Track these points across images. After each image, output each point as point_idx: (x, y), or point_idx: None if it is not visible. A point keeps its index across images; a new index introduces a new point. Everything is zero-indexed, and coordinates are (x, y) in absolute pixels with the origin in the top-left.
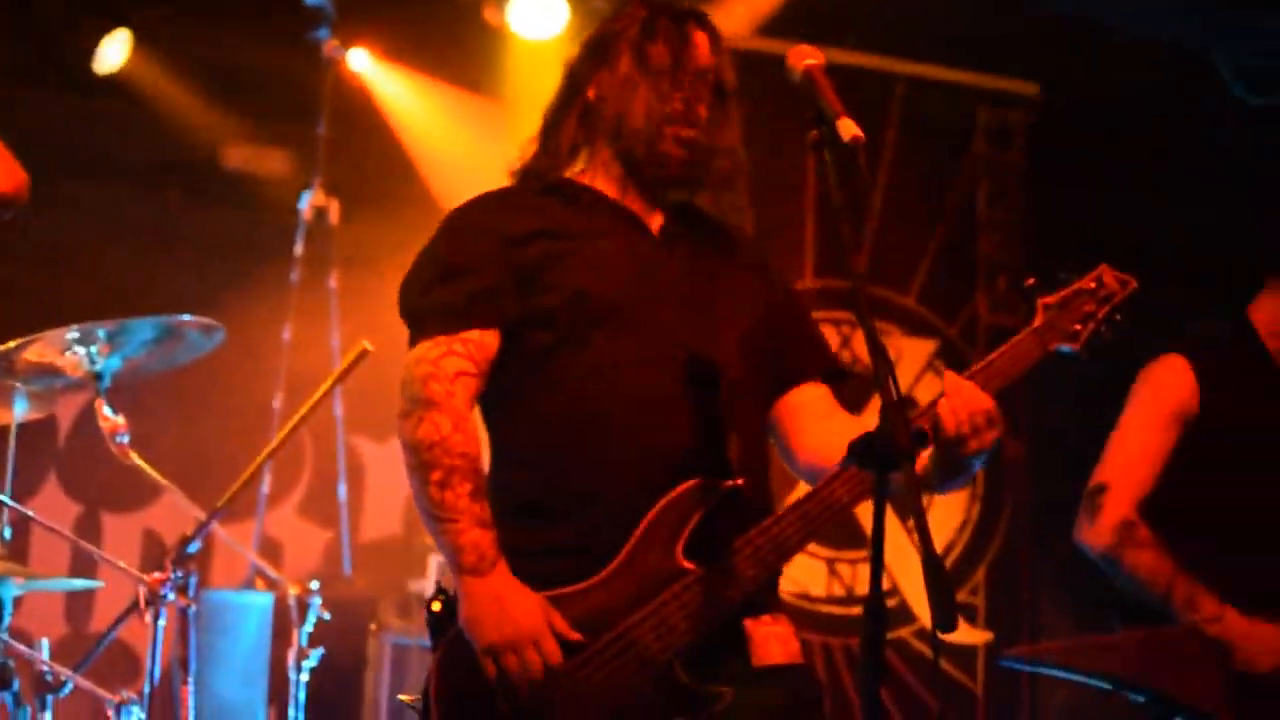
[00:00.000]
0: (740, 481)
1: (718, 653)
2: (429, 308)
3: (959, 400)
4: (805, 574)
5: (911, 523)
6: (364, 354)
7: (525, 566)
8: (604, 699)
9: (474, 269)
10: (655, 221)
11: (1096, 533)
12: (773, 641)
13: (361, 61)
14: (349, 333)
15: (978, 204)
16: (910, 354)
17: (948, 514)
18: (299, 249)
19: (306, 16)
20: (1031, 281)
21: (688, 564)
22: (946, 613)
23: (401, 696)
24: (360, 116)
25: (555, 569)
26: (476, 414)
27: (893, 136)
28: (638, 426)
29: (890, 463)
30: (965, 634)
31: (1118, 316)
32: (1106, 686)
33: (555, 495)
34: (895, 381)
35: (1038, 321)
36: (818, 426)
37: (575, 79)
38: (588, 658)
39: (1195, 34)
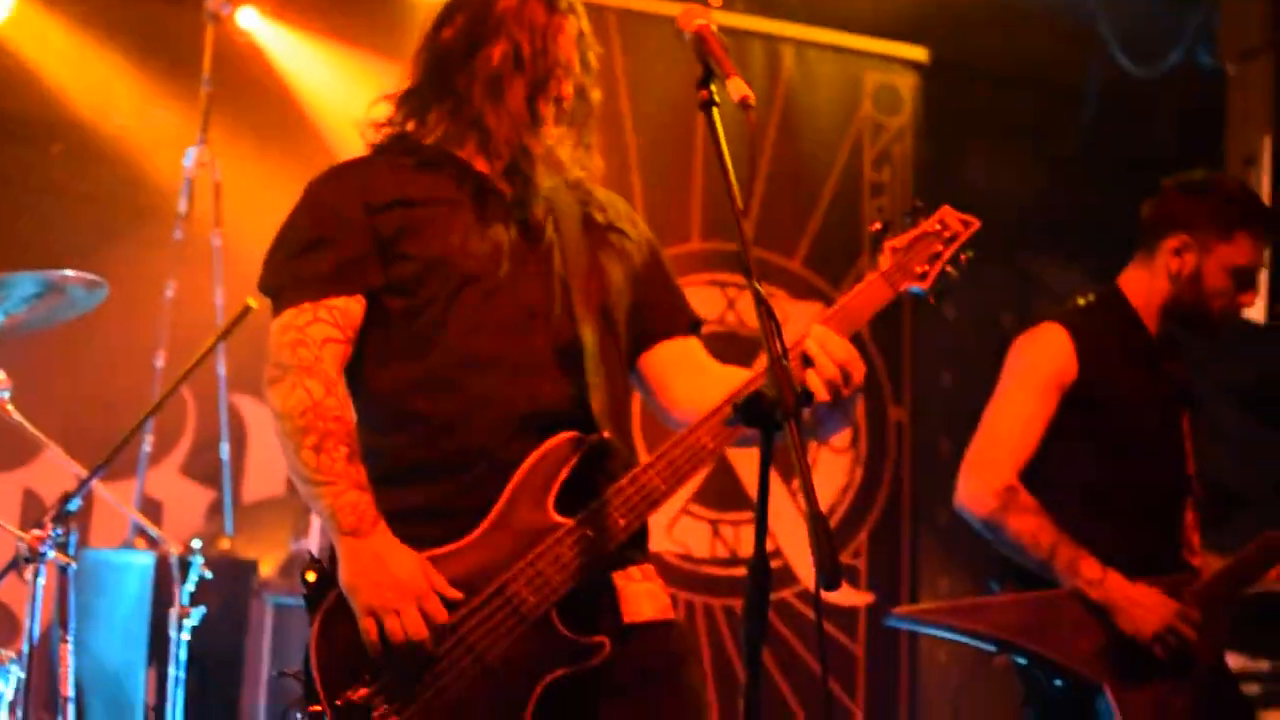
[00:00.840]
0: (607, 434)
1: (592, 606)
2: (294, 277)
3: (828, 348)
4: (689, 535)
5: (796, 483)
6: (247, 310)
7: (398, 530)
8: (486, 654)
9: (337, 238)
10: (512, 187)
11: (978, 498)
12: (643, 598)
13: (250, 19)
14: (232, 291)
15: (864, 168)
16: (797, 317)
17: (830, 476)
18: (183, 206)
19: None
20: (877, 226)
21: (560, 517)
22: (831, 571)
23: (284, 671)
24: (246, 74)
25: (428, 531)
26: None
27: (780, 100)
28: (499, 386)
29: (775, 421)
30: (847, 596)
31: (963, 256)
32: (989, 648)
33: (422, 458)
34: (781, 340)
35: (885, 265)
36: (688, 379)
37: (443, 60)
38: (467, 614)
39: (1081, 3)
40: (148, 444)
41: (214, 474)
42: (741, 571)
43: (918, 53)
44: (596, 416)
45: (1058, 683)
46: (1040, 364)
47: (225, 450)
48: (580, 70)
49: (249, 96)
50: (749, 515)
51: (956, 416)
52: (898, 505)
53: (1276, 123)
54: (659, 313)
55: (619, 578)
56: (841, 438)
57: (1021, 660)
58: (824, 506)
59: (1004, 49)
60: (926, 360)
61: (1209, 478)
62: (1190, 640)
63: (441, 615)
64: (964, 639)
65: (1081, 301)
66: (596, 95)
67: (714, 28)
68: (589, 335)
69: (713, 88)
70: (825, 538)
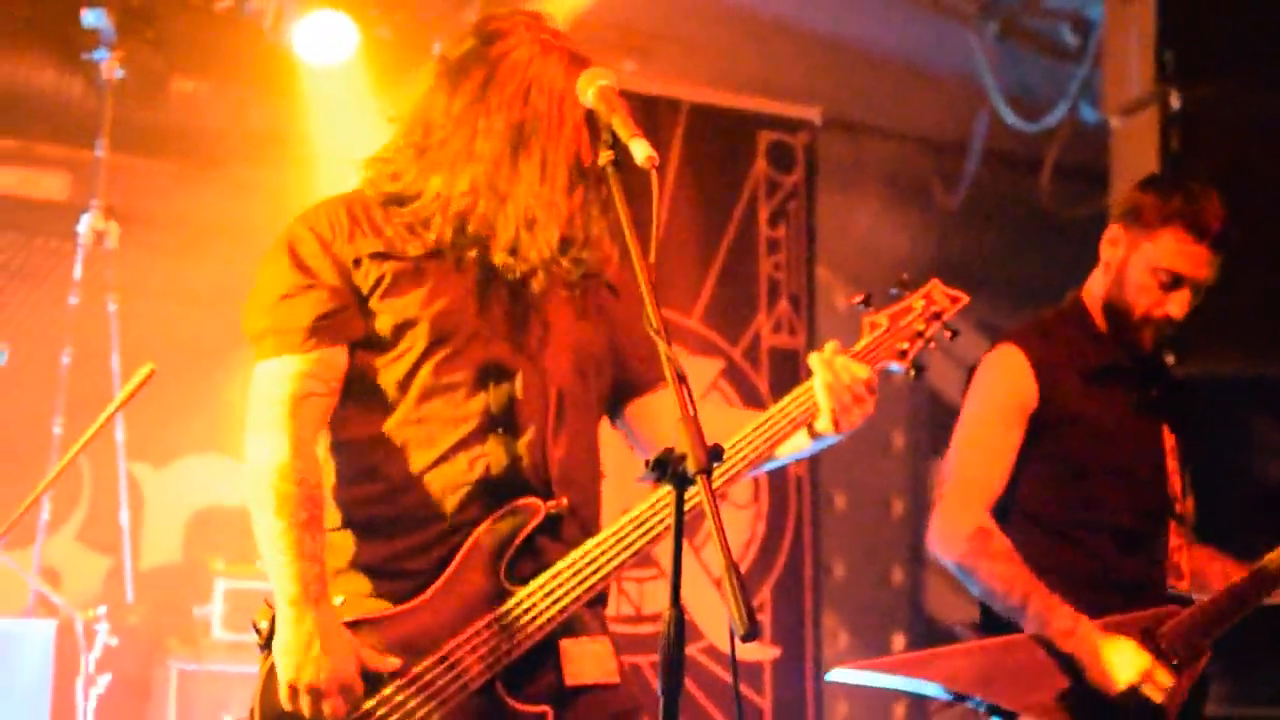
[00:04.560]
0: (564, 502)
1: (534, 672)
2: (276, 325)
3: (834, 373)
4: None
5: (698, 538)
6: (150, 375)
7: (353, 582)
8: None
9: (322, 287)
10: (491, 242)
11: (949, 543)
12: (587, 660)
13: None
14: (129, 356)
15: (760, 225)
16: (696, 374)
17: (733, 532)
18: (78, 272)
19: (84, 37)
20: (860, 298)
21: (511, 585)
22: (749, 621)
23: (226, 717)
24: (143, 136)
25: (381, 587)
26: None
27: (676, 160)
28: (457, 449)
29: (688, 478)
30: (752, 650)
31: (947, 334)
32: (944, 696)
33: (381, 514)
34: (691, 398)
35: (865, 340)
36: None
37: (453, 115)
38: (410, 680)
39: (968, 61)
40: (46, 511)
41: (112, 541)
42: (648, 629)
43: (810, 112)
44: (555, 483)
45: None
46: (999, 390)
47: (125, 517)
48: (574, 113)
49: (142, 160)
50: (653, 573)
51: (851, 470)
52: (800, 559)
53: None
54: (643, 363)
55: (565, 641)
56: (744, 493)
57: (980, 707)
58: None
59: (893, 106)
60: None
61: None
62: (1156, 703)
63: (342, 711)
64: (918, 689)
65: (1045, 316)
66: (607, 156)
67: (616, 88)
68: (556, 396)
69: (616, 150)
70: (741, 590)
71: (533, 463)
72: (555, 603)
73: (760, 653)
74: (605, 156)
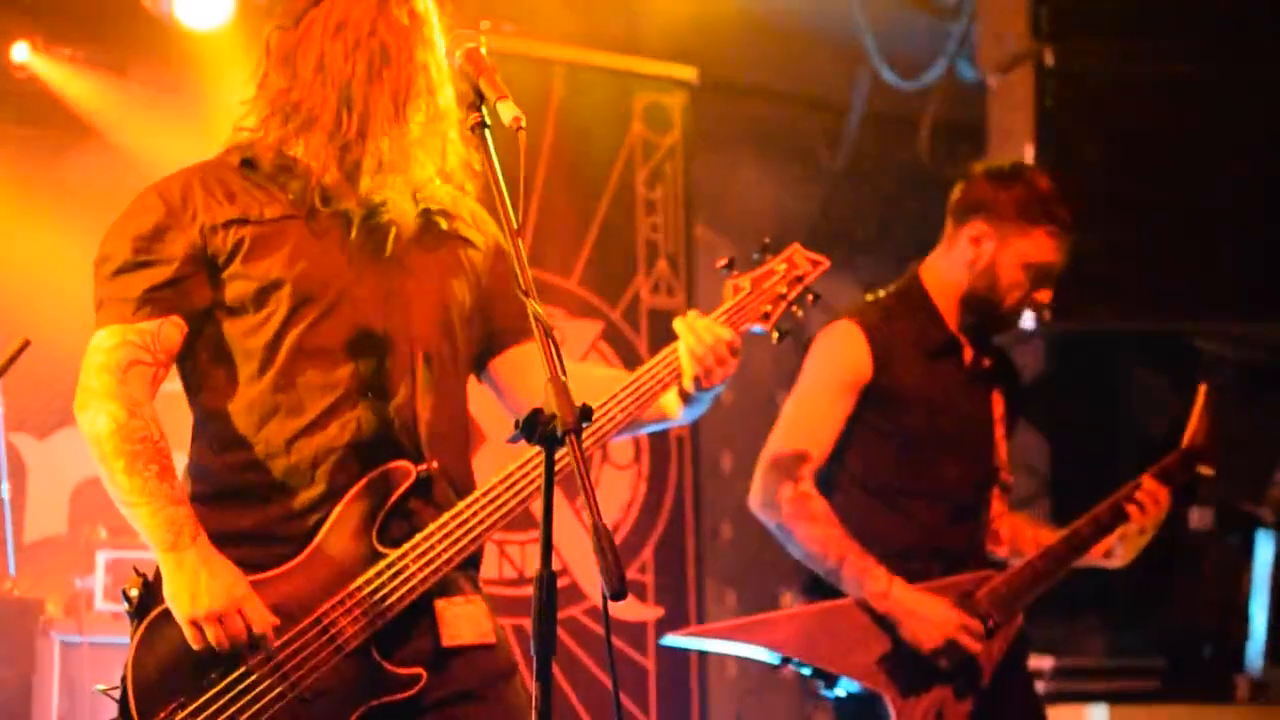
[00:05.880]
0: (434, 465)
1: (410, 633)
2: (108, 296)
3: (697, 336)
4: None
5: (579, 500)
6: (26, 345)
7: (225, 552)
8: (301, 683)
9: (160, 260)
10: (351, 199)
11: (770, 505)
12: (463, 621)
13: (22, 53)
14: (2, 327)
15: (637, 186)
16: (575, 336)
17: (614, 493)
18: None
19: None
20: (724, 262)
21: (383, 548)
22: (617, 581)
23: (98, 687)
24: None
25: (253, 554)
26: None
27: (552, 122)
28: (327, 413)
29: (557, 438)
30: (635, 610)
31: (810, 296)
32: (772, 661)
33: (250, 481)
34: (560, 357)
35: (727, 303)
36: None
37: (290, 62)
38: (284, 643)
39: (846, 19)
40: None
41: None
42: (529, 591)
43: (686, 72)
44: (425, 444)
45: (841, 692)
46: (835, 363)
47: (4, 489)
48: (423, 54)
49: (16, 129)
50: (534, 535)
51: (737, 431)
52: (681, 520)
53: (1037, 134)
54: (509, 317)
55: (440, 602)
56: (625, 454)
57: (805, 671)
58: (609, 523)
59: (771, 65)
60: None
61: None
62: (971, 652)
63: (263, 622)
64: (747, 654)
65: (881, 294)
66: (474, 117)
67: (483, 51)
68: (423, 357)
69: (484, 110)
70: (610, 549)
71: (403, 425)
72: (428, 564)
73: (643, 613)
74: (473, 118)
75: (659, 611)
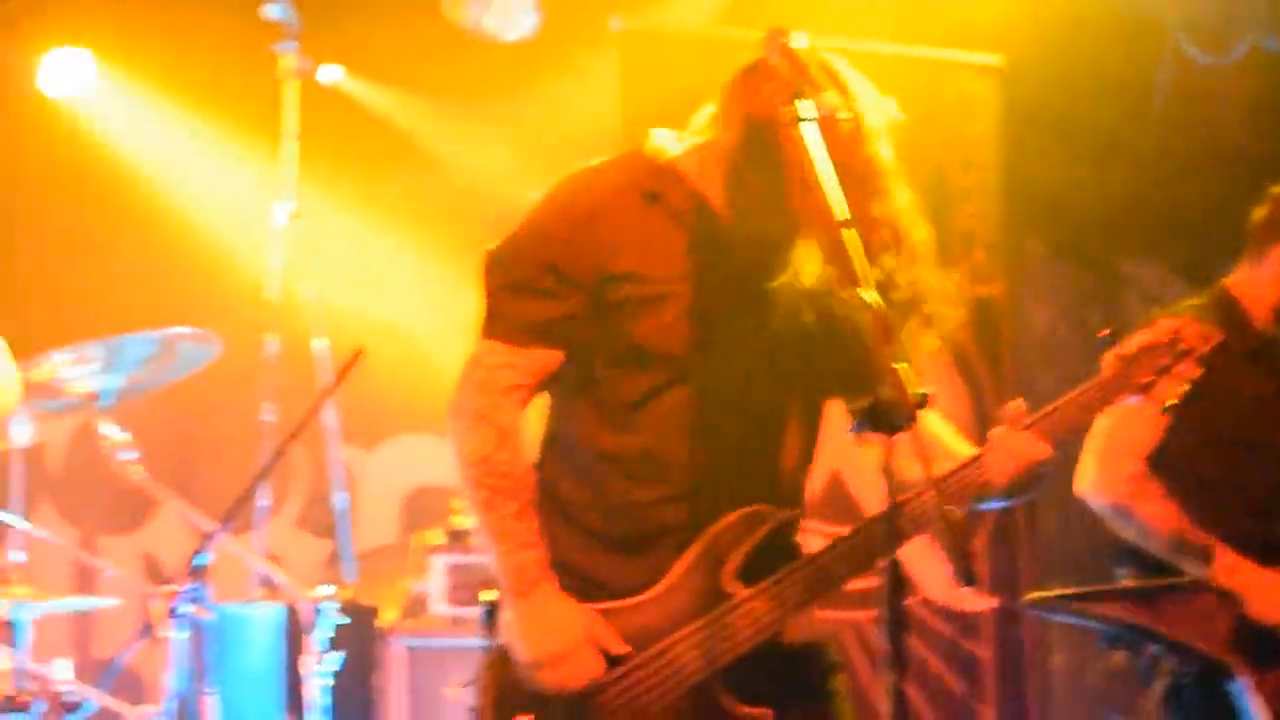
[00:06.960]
0: (796, 511)
1: (757, 674)
2: (504, 312)
3: (1006, 454)
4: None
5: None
6: (360, 355)
7: (577, 579)
8: (645, 711)
9: (558, 291)
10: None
11: (1107, 484)
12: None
13: (333, 74)
14: (333, 341)
15: (950, 174)
16: None
17: None
18: (275, 261)
19: (269, 29)
20: (1106, 332)
21: (737, 587)
22: (965, 565)
23: (447, 690)
24: (329, 128)
25: (609, 580)
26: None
27: None
28: (695, 474)
29: (896, 424)
30: (969, 599)
31: (1199, 370)
32: (1120, 634)
33: (602, 530)
34: (892, 344)
35: (1107, 373)
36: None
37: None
38: (629, 671)
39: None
40: (266, 498)
41: (328, 525)
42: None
43: (995, 59)
44: (784, 492)
45: (1189, 669)
46: None
47: (342, 500)
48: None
49: (333, 149)
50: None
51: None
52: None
53: None
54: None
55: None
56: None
57: (1154, 647)
58: None
59: (1073, 49)
60: (1025, 361)
61: None
62: None
63: (597, 670)
64: (1095, 625)
65: (1196, 303)
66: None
67: (798, 48)
68: (791, 415)
69: (797, 104)
70: (956, 535)
71: (765, 474)
72: (778, 607)
73: (978, 602)
74: (790, 113)
75: (993, 601)
